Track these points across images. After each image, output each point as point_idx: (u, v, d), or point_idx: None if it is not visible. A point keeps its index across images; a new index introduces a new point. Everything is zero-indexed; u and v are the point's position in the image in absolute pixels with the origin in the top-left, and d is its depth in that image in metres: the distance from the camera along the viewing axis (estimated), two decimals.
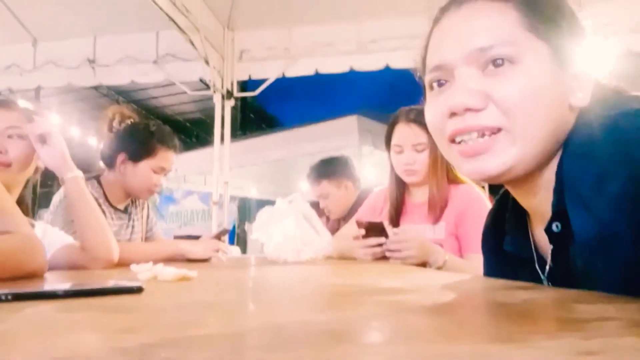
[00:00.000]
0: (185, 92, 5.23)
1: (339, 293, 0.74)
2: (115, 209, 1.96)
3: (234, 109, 5.10)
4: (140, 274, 0.86)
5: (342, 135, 6.25)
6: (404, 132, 1.86)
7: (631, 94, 0.71)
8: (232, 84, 4.85)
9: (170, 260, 1.71)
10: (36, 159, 1.46)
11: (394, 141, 1.89)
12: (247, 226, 10.68)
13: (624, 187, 0.56)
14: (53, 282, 0.95)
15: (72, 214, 1.46)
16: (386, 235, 1.62)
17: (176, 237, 2.18)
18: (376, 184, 2.26)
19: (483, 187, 1.95)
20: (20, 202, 1.32)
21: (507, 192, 0.84)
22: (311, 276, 1.14)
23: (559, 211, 0.66)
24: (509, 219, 0.84)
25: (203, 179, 9.09)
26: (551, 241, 0.70)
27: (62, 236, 1.44)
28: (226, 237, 2.11)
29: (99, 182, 1.94)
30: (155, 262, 0.99)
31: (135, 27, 4.61)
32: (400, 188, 1.94)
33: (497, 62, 0.67)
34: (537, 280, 0.77)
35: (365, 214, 2.07)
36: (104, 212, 1.78)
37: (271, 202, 1.82)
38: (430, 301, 0.59)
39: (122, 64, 4.77)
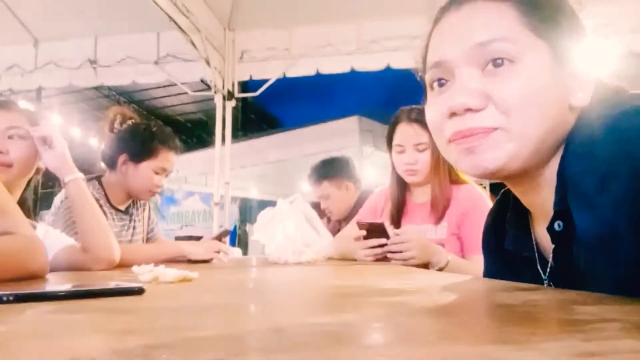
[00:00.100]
0: (186, 93, 5.24)
1: (340, 294, 0.74)
2: (117, 209, 1.97)
3: (234, 109, 5.11)
4: (142, 275, 0.86)
5: (343, 135, 6.26)
6: (406, 131, 1.86)
7: (632, 92, 0.71)
8: (233, 85, 4.85)
9: (172, 261, 1.71)
10: (37, 160, 1.46)
11: (395, 141, 1.89)
12: (248, 227, 10.68)
13: (626, 185, 0.56)
14: (54, 283, 0.95)
15: (74, 216, 1.46)
16: (387, 236, 1.62)
17: (177, 238, 2.18)
18: (377, 184, 2.27)
19: (485, 187, 1.95)
20: (21, 203, 1.33)
21: (508, 192, 0.84)
22: (312, 277, 1.14)
23: (561, 210, 0.66)
24: (510, 218, 0.84)
25: (204, 179, 9.10)
26: (553, 240, 0.70)
27: (63, 238, 1.44)
28: (227, 238, 2.11)
29: (100, 183, 1.94)
30: (157, 263, 0.99)
31: (136, 27, 4.61)
32: (402, 188, 1.93)
33: (496, 62, 0.67)
34: (537, 279, 0.77)
35: (366, 214, 2.07)
36: (105, 213, 1.79)
37: (272, 203, 1.82)
38: (432, 302, 0.59)
39: (123, 64, 4.78)
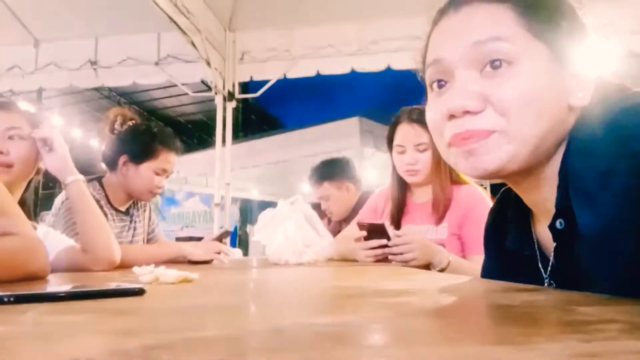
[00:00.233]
0: (186, 94, 5.25)
1: (340, 295, 0.74)
2: (117, 210, 1.97)
3: (235, 110, 5.11)
4: (142, 276, 0.86)
5: (343, 136, 6.26)
6: (406, 132, 1.86)
7: (634, 90, 0.71)
8: (233, 86, 4.85)
9: (172, 262, 1.71)
10: (38, 161, 1.46)
11: (396, 141, 1.89)
12: (248, 228, 10.68)
13: (628, 182, 0.56)
14: (55, 284, 0.95)
15: (74, 216, 1.47)
16: (388, 237, 1.62)
17: (178, 239, 2.19)
18: (378, 185, 2.27)
19: (485, 188, 1.95)
20: (22, 204, 1.33)
21: (509, 190, 0.84)
22: (312, 278, 1.14)
23: (562, 208, 0.66)
24: (511, 216, 0.84)
25: (205, 180, 9.09)
26: (555, 238, 0.70)
27: (63, 239, 1.45)
28: (228, 239, 2.11)
29: (101, 184, 1.94)
30: (157, 264, 0.99)
31: (137, 28, 4.62)
32: (402, 188, 1.93)
33: (495, 64, 0.67)
34: (538, 278, 0.77)
35: (366, 214, 2.07)
36: (105, 214, 1.79)
37: (273, 204, 1.82)
38: (432, 303, 0.59)
39: (124, 65, 4.78)
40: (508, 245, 0.84)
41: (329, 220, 3.09)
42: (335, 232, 2.40)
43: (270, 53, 4.75)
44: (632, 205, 0.56)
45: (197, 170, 7.87)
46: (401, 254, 1.57)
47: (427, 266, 1.59)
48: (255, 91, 5.33)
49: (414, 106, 1.86)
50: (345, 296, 0.71)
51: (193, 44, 4.18)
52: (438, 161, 1.80)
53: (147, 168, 1.94)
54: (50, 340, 0.37)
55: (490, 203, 1.76)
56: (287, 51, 4.70)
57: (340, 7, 4.42)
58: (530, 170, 0.70)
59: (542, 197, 0.73)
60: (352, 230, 1.90)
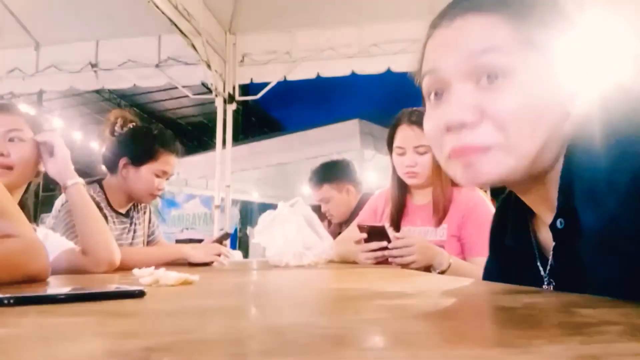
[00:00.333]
0: (187, 96, 5.25)
1: (340, 297, 0.74)
2: (117, 213, 1.97)
3: (235, 112, 5.12)
4: (142, 278, 0.86)
5: (344, 139, 6.26)
6: (406, 134, 1.86)
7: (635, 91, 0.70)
8: (234, 88, 4.86)
9: (172, 264, 1.71)
10: (38, 163, 1.47)
11: (396, 143, 1.89)
12: (248, 230, 10.68)
13: (632, 183, 0.56)
14: (55, 286, 0.95)
15: (74, 219, 1.47)
16: (388, 239, 1.62)
17: (178, 241, 2.19)
18: (378, 187, 2.27)
19: (486, 191, 1.95)
20: (21, 206, 1.33)
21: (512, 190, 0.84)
22: (313, 280, 1.14)
23: (564, 208, 0.66)
24: (511, 215, 0.85)
25: (205, 182, 9.09)
26: (555, 238, 0.70)
27: (63, 241, 1.45)
28: (228, 241, 2.11)
29: (101, 186, 1.94)
30: (157, 266, 0.99)
31: (138, 31, 4.62)
32: (402, 190, 1.94)
33: (491, 76, 0.67)
34: (538, 278, 0.77)
35: (366, 216, 2.07)
36: (105, 216, 1.79)
37: (273, 206, 1.82)
38: (432, 306, 0.59)
39: (125, 67, 4.78)
40: (507, 243, 0.85)
41: (329, 223, 3.09)
42: (336, 234, 2.40)
43: (271, 55, 4.76)
44: (637, 205, 0.56)
45: (197, 173, 7.87)
46: (401, 256, 1.57)
47: (428, 268, 1.59)
48: (255, 93, 5.34)
49: (414, 108, 1.86)
50: (345, 298, 0.71)
51: (193, 47, 4.19)
52: (438, 164, 1.79)
53: (147, 170, 1.94)
54: (50, 343, 0.37)
55: (490, 205, 1.77)
56: (288, 53, 4.70)
57: (340, 9, 4.43)
58: (532, 176, 0.70)
59: (542, 198, 0.74)
60: (352, 232, 1.90)
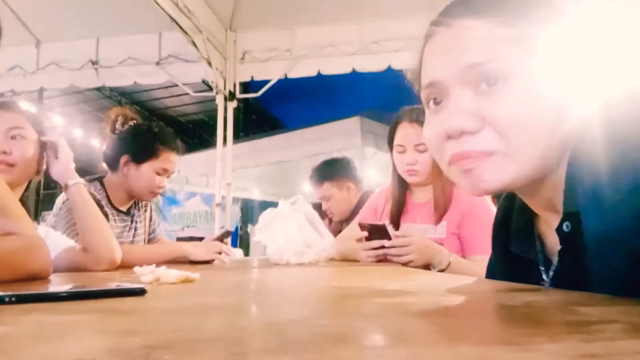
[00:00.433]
0: (187, 94, 5.26)
1: (341, 295, 0.74)
2: (118, 210, 1.97)
3: (236, 110, 5.12)
4: (143, 276, 0.86)
5: (344, 136, 6.25)
6: (407, 132, 1.86)
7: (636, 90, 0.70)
8: (234, 85, 4.86)
9: (173, 262, 1.71)
10: (40, 161, 1.47)
11: (396, 141, 1.89)
12: (249, 228, 10.68)
13: (636, 184, 0.56)
14: (56, 284, 0.95)
15: (75, 218, 1.47)
16: (389, 238, 1.62)
17: (179, 239, 2.19)
18: (379, 185, 2.27)
19: None
20: (22, 203, 1.33)
21: None
22: (313, 278, 1.14)
23: (569, 211, 0.66)
24: (515, 220, 0.84)
25: (206, 180, 9.09)
26: (561, 241, 0.69)
27: (64, 239, 1.46)
28: (229, 239, 2.11)
29: (102, 184, 1.94)
30: (158, 264, 0.99)
31: (138, 28, 4.62)
32: (402, 187, 1.94)
33: (490, 81, 0.66)
34: (541, 281, 0.77)
35: (366, 214, 2.07)
36: (106, 214, 1.79)
37: (274, 204, 1.82)
38: (432, 304, 0.59)
39: (125, 65, 4.78)
40: (513, 250, 0.84)
41: (330, 221, 3.09)
42: (336, 232, 2.40)
43: (271, 53, 4.75)
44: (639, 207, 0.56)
45: (198, 170, 7.87)
46: (398, 255, 1.58)
47: (427, 266, 1.59)
48: (256, 91, 5.34)
49: (415, 106, 1.85)
50: (346, 296, 0.71)
51: (194, 44, 4.19)
52: None
53: (148, 168, 1.94)
54: (51, 340, 0.38)
55: (490, 203, 1.77)
56: (288, 51, 4.70)
57: (341, 7, 4.42)
58: (535, 180, 0.70)
59: (547, 201, 0.73)
60: (353, 230, 1.90)
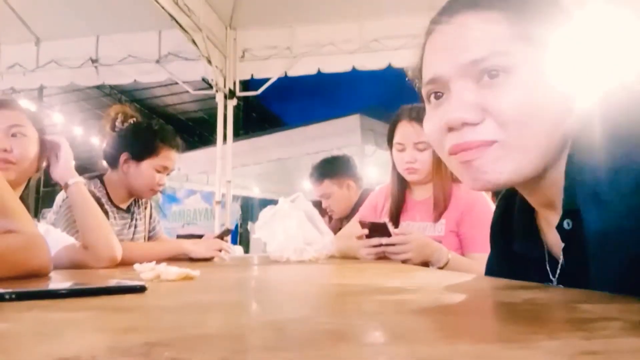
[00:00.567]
0: (187, 92, 5.25)
1: (341, 293, 0.74)
2: (118, 208, 1.97)
3: (236, 108, 5.12)
4: (143, 273, 0.86)
5: (344, 134, 6.25)
6: (406, 130, 1.87)
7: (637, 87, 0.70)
8: (234, 83, 4.86)
9: (173, 259, 1.71)
10: (40, 159, 1.47)
11: (396, 139, 1.89)
12: (249, 225, 10.68)
13: (635, 180, 0.56)
14: (56, 281, 0.95)
15: (75, 216, 1.48)
16: (389, 235, 1.62)
17: (179, 237, 2.18)
18: (379, 183, 2.27)
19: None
20: (22, 201, 1.33)
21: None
22: (313, 276, 1.14)
23: (570, 208, 0.66)
24: (517, 218, 0.84)
25: (206, 178, 9.09)
26: (563, 239, 0.69)
27: (64, 236, 1.46)
28: (229, 237, 2.11)
29: (102, 182, 1.94)
30: (158, 261, 0.99)
31: (138, 26, 4.62)
32: (402, 185, 1.94)
33: (492, 73, 0.66)
34: (546, 280, 0.77)
35: (366, 212, 2.07)
36: (106, 211, 1.79)
37: (274, 202, 1.82)
38: (433, 301, 0.59)
39: (125, 63, 4.78)
40: (516, 249, 0.84)
41: (330, 218, 3.09)
42: (336, 229, 2.40)
43: (271, 51, 4.75)
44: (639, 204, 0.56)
45: (198, 168, 7.86)
46: (396, 253, 1.58)
47: (426, 264, 1.59)
48: (256, 89, 5.33)
49: (414, 104, 1.86)
50: (346, 294, 0.71)
51: (194, 42, 4.18)
52: (439, 160, 1.78)
53: (148, 165, 1.94)
54: (51, 338, 0.38)
55: (489, 201, 1.77)
56: (288, 49, 4.70)
57: (341, 5, 4.42)
58: (535, 175, 0.70)
59: (548, 199, 0.73)
60: (353, 227, 1.90)
